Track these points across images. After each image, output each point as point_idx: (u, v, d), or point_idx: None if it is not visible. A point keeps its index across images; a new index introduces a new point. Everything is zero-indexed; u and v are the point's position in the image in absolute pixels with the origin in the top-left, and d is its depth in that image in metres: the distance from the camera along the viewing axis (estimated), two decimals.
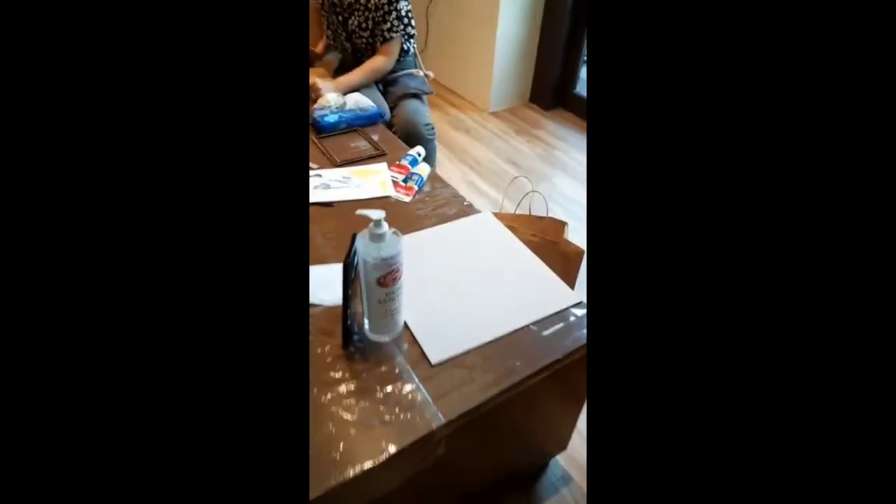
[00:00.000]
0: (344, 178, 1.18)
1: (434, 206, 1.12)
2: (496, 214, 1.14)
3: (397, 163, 1.23)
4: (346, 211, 1.08)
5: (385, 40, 1.60)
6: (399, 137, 1.46)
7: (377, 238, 0.68)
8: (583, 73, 2.63)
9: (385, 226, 0.68)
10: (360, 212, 0.68)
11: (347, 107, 1.41)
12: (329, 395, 0.71)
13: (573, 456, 1.15)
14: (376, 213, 0.68)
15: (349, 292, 0.74)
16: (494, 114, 2.70)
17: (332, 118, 1.36)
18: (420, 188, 1.17)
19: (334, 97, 1.43)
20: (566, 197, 2.07)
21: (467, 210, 1.11)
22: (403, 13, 1.59)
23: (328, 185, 1.15)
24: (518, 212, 1.96)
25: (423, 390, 0.72)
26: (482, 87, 2.67)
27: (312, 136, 1.34)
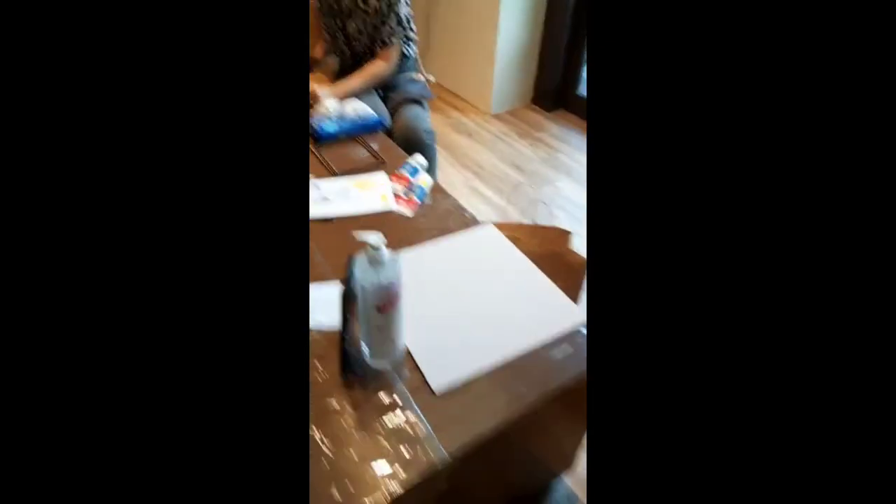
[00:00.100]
0: (343, 189, 1.14)
1: (436, 219, 1.09)
2: (499, 225, 1.11)
3: (397, 172, 1.19)
4: (345, 226, 1.05)
5: (385, 45, 1.56)
6: (399, 143, 1.43)
7: (376, 263, 0.65)
8: (585, 73, 2.59)
9: (384, 250, 0.65)
10: (357, 236, 0.65)
11: (347, 114, 1.38)
12: (327, 428, 0.67)
13: (579, 475, 1.12)
14: (375, 238, 0.64)
15: (347, 315, 0.70)
16: (496, 116, 2.66)
17: (330, 127, 1.32)
18: (422, 201, 1.13)
19: (333, 104, 1.39)
20: (570, 201, 2.04)
21: (469, 222, 1.07)
22: (403, 17, 1.55)
23: (327, 197, 1.12)
24: (522, 219, 1.93)
25: (426, 422, 0.68)
26: (484, 89, 2.64)
27: (310, 146, 1.31)
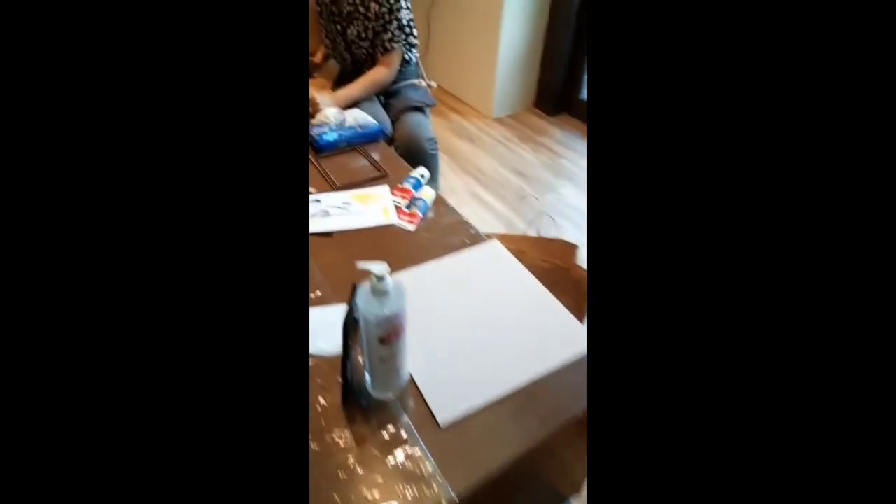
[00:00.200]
0: (344, 203, 1.11)
1: (439, 233, 1.06)
2: (503, 237, 1.07)
3: (400, 185, 1.16)
4: (346, 241, 1.02)
5: (386, 51, 1.53)
6: (400, 152, 1.39)
7: (380, 294, 0.62)
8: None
9: (389, 281, 0.62)
10: (361, 265, 0.62)
11: (347, 123, 1.34)
12: (327, 465, 0.64)
13: (586, 497, 1.09)
14: (379, 268, 0.61)
15: (349, 342, 0.67)
16: (498, 120, 2.63)
17: (331, 136, 1.29)
18: (424, 214, 1.10)
19: (334, 113, 1.36)
20: (574, 209, 2.00)
21: (474, 238, 1.04)
22: (405, 22, 1.52)
23: (327, 211, 1.08)
24: (527, 230, 1.89)
25: (431, 459, 0.65)
26: (486, 93, 2.60)
27: (310, 156, 1.27)
